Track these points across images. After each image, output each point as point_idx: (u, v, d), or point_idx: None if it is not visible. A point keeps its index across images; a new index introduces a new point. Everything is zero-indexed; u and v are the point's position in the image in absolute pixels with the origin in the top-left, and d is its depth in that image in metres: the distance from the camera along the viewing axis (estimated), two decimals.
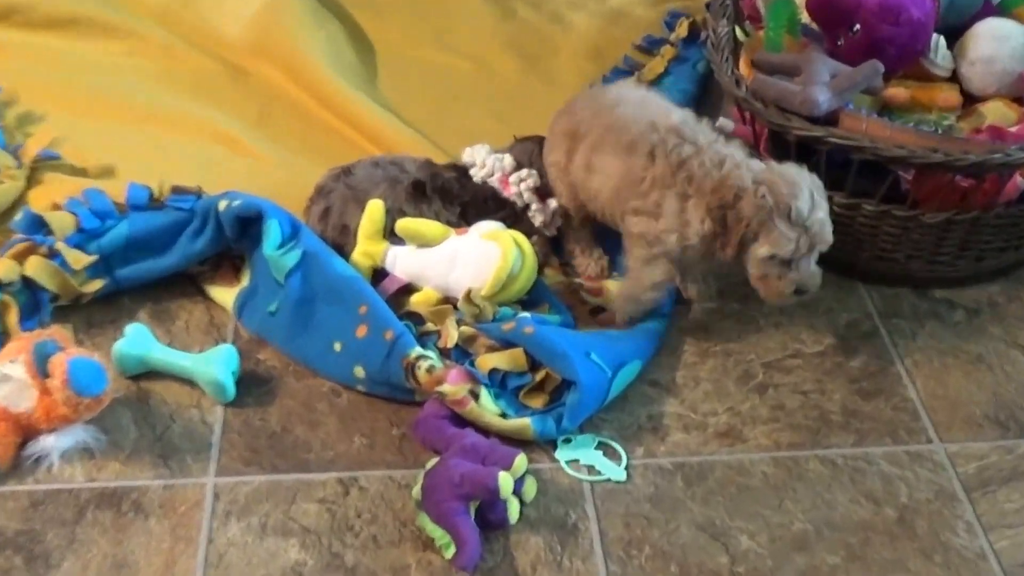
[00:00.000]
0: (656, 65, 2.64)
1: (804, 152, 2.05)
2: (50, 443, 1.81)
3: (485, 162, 2.16)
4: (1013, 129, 2.14)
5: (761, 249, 1.89)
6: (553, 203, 2.16)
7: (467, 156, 2.20)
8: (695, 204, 1.92)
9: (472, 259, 2.02)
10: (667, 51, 2.68)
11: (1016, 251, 2.22)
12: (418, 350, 1.89)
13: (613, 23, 2.84)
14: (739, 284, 2.04)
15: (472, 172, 2.17)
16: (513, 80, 2.70)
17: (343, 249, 2.09)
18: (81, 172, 2.29)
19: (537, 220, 2.16)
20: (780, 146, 2.12)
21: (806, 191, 1.86)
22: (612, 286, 2.12)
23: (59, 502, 1.75)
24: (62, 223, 2.08)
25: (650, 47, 2.72)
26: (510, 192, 2.15)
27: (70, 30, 2.68)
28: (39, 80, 2.54)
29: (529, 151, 2.20)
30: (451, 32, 2.82)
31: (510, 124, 2.36)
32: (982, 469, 1.87)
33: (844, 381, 2.01)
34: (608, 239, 2.16)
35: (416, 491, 1.74)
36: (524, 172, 2.16)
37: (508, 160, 2.17)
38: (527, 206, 2.16)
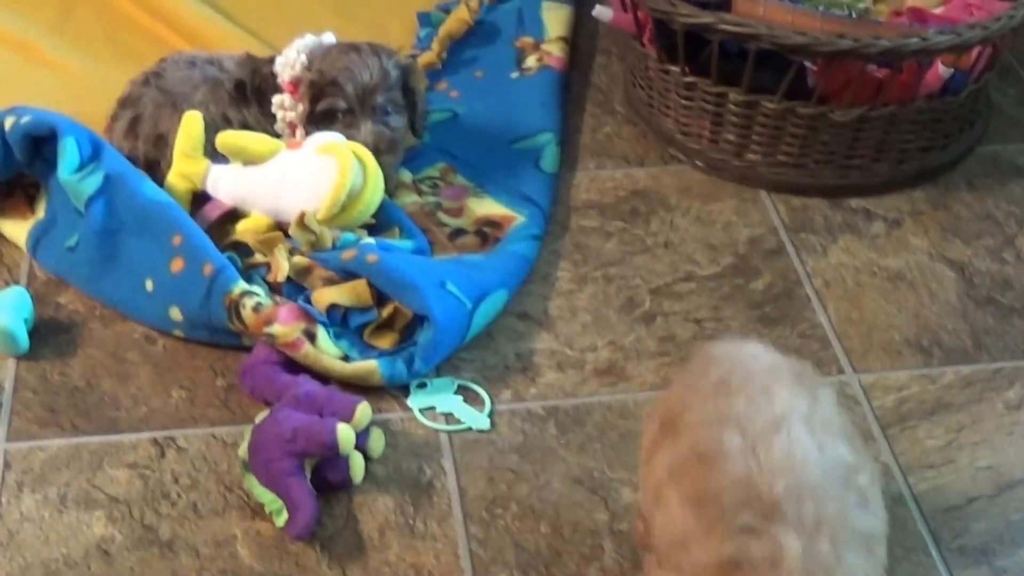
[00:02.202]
0: None
1: (694, 43, 2.04)
2: None
3: (276, 59, 2.06)
4: (937, 11, 2.14)
5: None
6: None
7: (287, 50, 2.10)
8: None
9: (305, 177, 1.97)
10: None
11: (941, 151, 2.21)
12: (242, 285, 1.85)
13: None
14: (624, 199, 2.02)
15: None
16: None
17: (159, 164, 2.05)
18: None
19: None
20: (666, 36, 2.11)
21: None
22: (474, 205, 2.11)
23: None
24: None
25: None
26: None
27: None
28: None
29: (336, 59, 2.03)
30: None
31: (357, 21, 2.28)
32: (901, 402, 1.85)
33: (744, 306, 1.99)
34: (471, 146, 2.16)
35: (242, 450, 1.70)
36: (285, 99, 2.05)
37: (300, 62, 2.05)
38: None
